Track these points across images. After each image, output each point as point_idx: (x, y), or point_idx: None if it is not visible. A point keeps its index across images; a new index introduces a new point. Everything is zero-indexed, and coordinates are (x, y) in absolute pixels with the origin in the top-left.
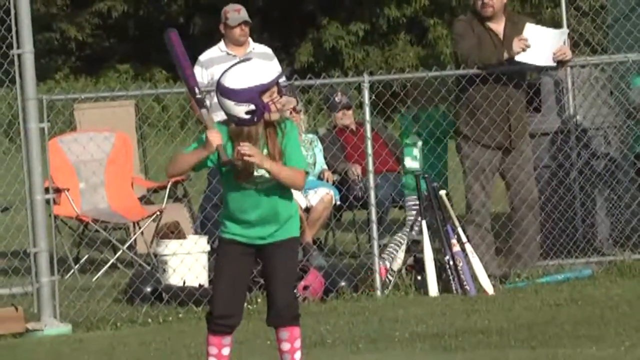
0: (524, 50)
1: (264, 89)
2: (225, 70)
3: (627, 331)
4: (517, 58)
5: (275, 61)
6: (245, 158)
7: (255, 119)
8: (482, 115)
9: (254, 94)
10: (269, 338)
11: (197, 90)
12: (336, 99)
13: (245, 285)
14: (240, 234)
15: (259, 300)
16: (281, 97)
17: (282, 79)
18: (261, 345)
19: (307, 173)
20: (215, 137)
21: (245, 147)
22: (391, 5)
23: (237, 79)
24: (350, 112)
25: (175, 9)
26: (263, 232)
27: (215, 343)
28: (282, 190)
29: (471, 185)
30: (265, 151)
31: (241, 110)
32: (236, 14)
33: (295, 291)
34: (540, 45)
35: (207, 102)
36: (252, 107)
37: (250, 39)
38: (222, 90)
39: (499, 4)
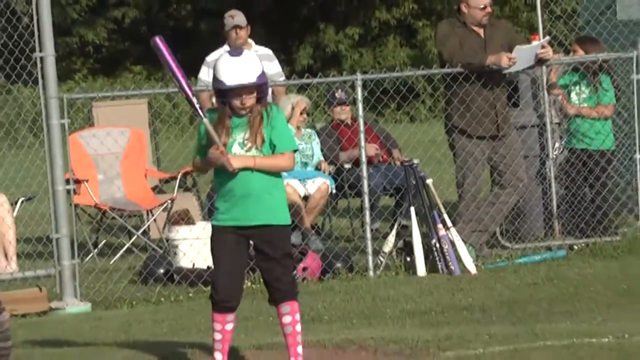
0: (510, 66)
1: (219, 88)
2: (225, 56)
3: (599, 307)
4: (504, 71)
5: (276, 62)
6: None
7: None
8: (474, 109)
9: (214, 86)
10: (271, 315)
11: (192, 100)
12: (336, 94)
13: (242, 270)
14: (235, 215)
15: (261, 280)
16: (261, 100)
17: (282, 78)
18: (264, 321)
19: (295, 151)
20: (217, 154)
21: (231, 165)
22: (382, 9)
23: (217, 65)
24: (348, 108)
25: (184, 14)
26: (256, 210)
27: (219, 320)
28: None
29: (466, 174)
30: (247, 134)
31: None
32: (230, 19)
33: (294, 272)
34: (525, 56)
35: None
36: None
37: (252, 42)
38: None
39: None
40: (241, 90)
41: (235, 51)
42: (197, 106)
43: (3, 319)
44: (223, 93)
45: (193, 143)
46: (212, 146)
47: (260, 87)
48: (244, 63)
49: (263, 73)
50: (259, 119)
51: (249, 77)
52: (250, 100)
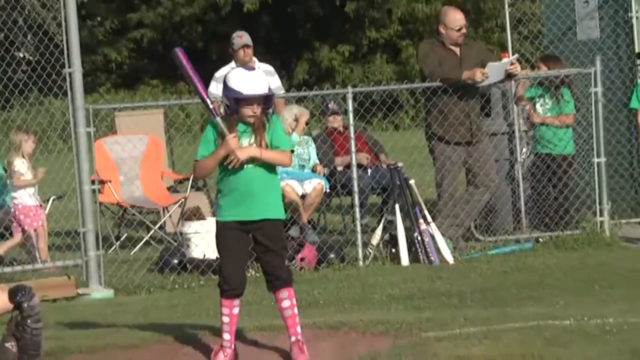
0: (483, 80)
1: (239, 97)
2: (235, 69)
3: (562, 293)
4: (478, 84)
5: (277, 77)
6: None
7: (231, 114)
8: (451, 118)
9: (231, 96)
10: (272, 300)
11: (209, 104)
12: (330, 105)
13: (245, 261)
14: (236, 212)
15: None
16: (267, 109)
17: (282, 91)
18: (267, 306)
19: (292, 151)
20: (234, 141)
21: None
22: (372, 30)
23: (231, 78)
24: (340, 117)
25: (195, 35)
26: (254, 208)
27: (227, 305)
28: (268, 171)
29: (444, 175)
30: (252, 138)
31: (225, 102)
32: (239, 39)
33: (293, 261)
34: (496, 72)
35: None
36: (228, 104)
37: (255, 59)
38: (224, 80)
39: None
40: (253, 99)
41: (248, 67)
42: (211, 106)
43: (34, 303)
44: (237, 102)
45: (196, 148)
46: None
47: (267, 98)
48: (257, 77)
49: (269, 87)
50: (262, 125)
51: (262, 89)
52: (259, 109)
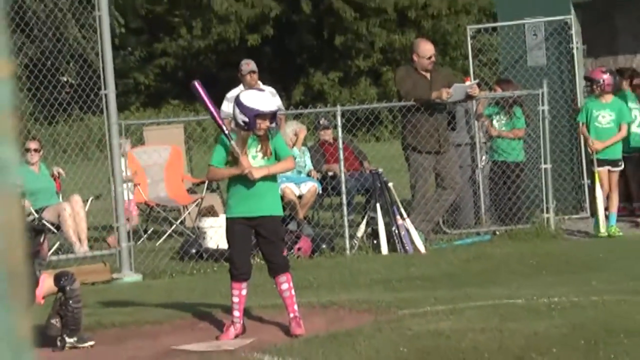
0: (448, 99)
1: (258, 113)
2: (247, 90)
3: (516, 277)
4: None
5: (278, 97)
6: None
7: (247, 128)
8: (422, 131)
9: (250, 112)
10: (274, 283)
11: (224, 128)
12: (321, 121)
13: (249, 250)
14: (242, 210)
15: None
16: (271, 123)
17: (281, 110)
18: (271, 289)
19: (294, 157)
20: (246, 163)
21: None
22: (359, 58)
23: (248, 98)
24: (330, 131)
25: (209, 63)
26: (257, 206)
27: (236, 287)
28: (269, 176)
29: (417, 179)
30: (260, 147)
31: (240, 118)
32: (247, 66)
33: (291, 251)
34: (460, 93)
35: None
36: (246, 119)
37: (260, 82)
38: (237, 101)
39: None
40: (266, 115)
41: (258, 89)
42: (226, 131)
43: (76, 286)
44: (253, 117)
45: (211, 156)
46: (233, 158)
47: (275, 114)
48: (269, 96)
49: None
50: (267, 137)
51: (274, 106)
52: (268, 122)
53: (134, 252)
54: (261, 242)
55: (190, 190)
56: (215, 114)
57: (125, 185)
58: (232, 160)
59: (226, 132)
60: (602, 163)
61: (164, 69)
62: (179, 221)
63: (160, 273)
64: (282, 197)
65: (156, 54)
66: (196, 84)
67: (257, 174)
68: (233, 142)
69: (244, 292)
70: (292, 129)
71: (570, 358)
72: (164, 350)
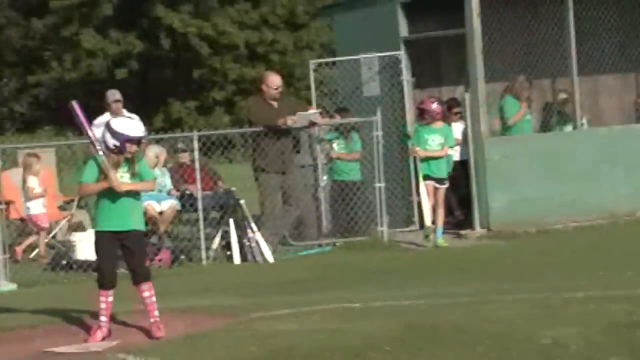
0: (293, 125)
1: (128, 138)
2: (117, 118)
3: (352, 282)
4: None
5: (141, 124)
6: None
7: (117, 152)
8: (270, 154)
9: (121, 137)
10: (137, 291)
11: (97, 145)
12: (180, 145)
13: (116, 261)
14: (109, 224)
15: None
16: (138, 146)
17: (145, 135)
18: (132, 296)
19: (155, 179)
20: (114, 177)
21: (122, 189)
22: (216, 89)
23: (119, 124)
24: (187, 154)
25: (79, 93)
26: (123, 221)
27: (103, 294)
28: (133, 195)
29: (266, 197)
30: (127, 168)
31: (111, 142)
32: (112, 96)
33: (152, 262)
34: (304, 120)
35: (102, 152)
36: (117, 143)
37: (124, 110)
38: (108, 126)
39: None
40: (135, 140)
41: (127, 117)
42: (98, 148)
43: None
44: (123, 141)
45: (81, 174)
46: (104, 175)
47: (141, 139)
48: (137, 123)
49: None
50: (133, 159)
51: (142, 131)
52: (136, 147)
53: (9, 263)
54: (126, 253)
55: (61, 208)
56: (90, 132)
57: (35, 202)
58: (103, 177)
59: (98, 148)
60: (428, 178)
61: (37, 97)
62: (51, 235)
63: (33, 282)
64: (145, 213)
65: (30, 84)
66: (74, 103)
67: (123, 187)
68: (104, 158)
69: (110, 299)
70: (154, 152)
71: (401, 355)
72: (36, 353)
